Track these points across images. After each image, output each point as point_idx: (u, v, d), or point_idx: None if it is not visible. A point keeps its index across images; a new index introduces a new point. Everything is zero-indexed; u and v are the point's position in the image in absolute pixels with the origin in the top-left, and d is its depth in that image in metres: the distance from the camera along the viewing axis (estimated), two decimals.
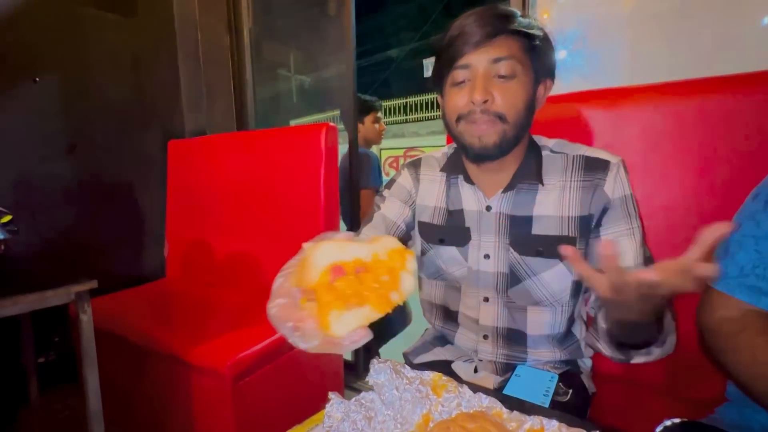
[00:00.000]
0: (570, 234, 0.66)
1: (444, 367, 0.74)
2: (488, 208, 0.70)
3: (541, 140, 0.73)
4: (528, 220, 0.68)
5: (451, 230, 0.73)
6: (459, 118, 0.64)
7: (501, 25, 0.60)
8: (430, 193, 0.77)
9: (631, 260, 0.64)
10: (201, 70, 1.85)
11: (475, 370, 0.72)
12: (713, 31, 0.98)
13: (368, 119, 2.11)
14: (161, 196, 1.76)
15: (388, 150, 7.30)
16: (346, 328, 0.32)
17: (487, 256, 0.70)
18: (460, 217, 0.73)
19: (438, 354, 0.79)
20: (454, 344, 0.78)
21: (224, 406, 1.03)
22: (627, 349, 0.59)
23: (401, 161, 7.17)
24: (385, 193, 0.81)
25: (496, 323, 0.71)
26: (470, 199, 0.72)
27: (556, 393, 0.61)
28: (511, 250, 0.69)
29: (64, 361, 1.42)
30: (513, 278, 0.69)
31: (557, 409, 0.51)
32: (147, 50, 1.72)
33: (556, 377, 0.64)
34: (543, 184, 0.67)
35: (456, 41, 0.62)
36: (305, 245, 0.36)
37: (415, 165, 0.81)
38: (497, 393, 0.38)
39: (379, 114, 2.18)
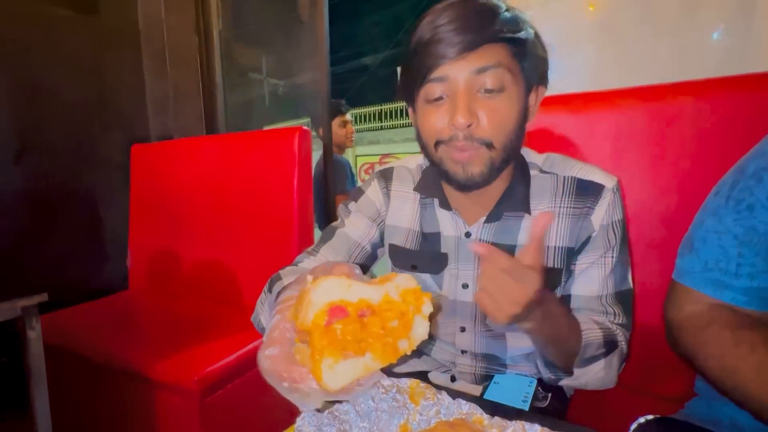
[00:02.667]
0: (555, 265, 0.60)
1: (420, 378, 0.71)
2: (467, 235, 0.63)
3: (529, 155, 0.65)
4: (511, 250, 0.61)
5: (426, 256, 0.66)
6: (438, 143, 0.55)
7: (484, 29, 0.50)
8: (402, 213, 0.68)
9: (594, 291, 0.60)
10: (167, 71, 1.78)
11: (453, 379, 0.70)
12: (669, 42, 1.04)
13: (334, 123, 2.09)
14: (124, 203, 1.67)
15: (363, 157, 7.29)
16: (339, 381, 0.28)
17: (465, 286, 0.64)
18: (435, 241, 0.65)
19: (414, 365, 0.74)
20: (431, 356, 0.74)
21: (191, 425, 0.97)
22: (554, 369, 0.58)
23: (377, 168, 7.17)
24: (351, 206, 0.72)
25: (474, 349, 0.67)
26: (447, 224, 0.65)
27: (535, 398, 0.60)
28: None
29: (13, 384, 1.30)
30: None
31: (538, 417, 0.51)
32: (109, 50, 1.64)
33: (535, 381, 0.62)
34: (530, 214, 0.60)
35: (429, 48, 0.51)
36: (308, 277, 0.31)
37: (386, 176, 0.72)
38: (477, 399, 0.37)
39: (347, 117, 2.16)
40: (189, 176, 1.51)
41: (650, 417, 0.62)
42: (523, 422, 0.32)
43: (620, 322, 0.61)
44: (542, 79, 0.59)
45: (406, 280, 0.31)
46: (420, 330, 0.31)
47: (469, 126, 0.51)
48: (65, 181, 1.53)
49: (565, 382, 0.60)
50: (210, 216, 1.44)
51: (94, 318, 1.31)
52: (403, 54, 0.57)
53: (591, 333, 0.57)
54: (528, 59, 0.54)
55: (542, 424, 0.31)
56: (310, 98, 1.82)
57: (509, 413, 0.34)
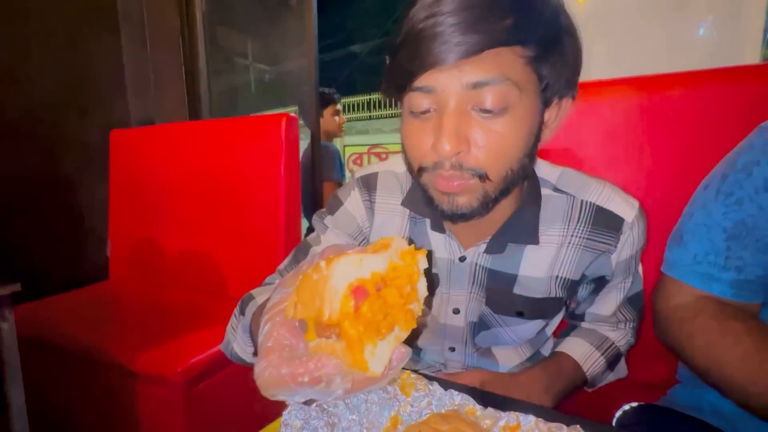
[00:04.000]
0: (557, 295, 0.56)
1: None
2: (462, 259, 0.55)
3: (541, 169, 0.55)
4: (511, 279, 0.55)
5: None
6: (422, 170, 0.45)
7: (499, 25, 0.37)
8: (388, 230, 0.59)
9: (611, 311, 0.60)
10: (147, 53, 1.71)
11: None
12: (660, 33, 1.04)
13: (327, 112, 2.08)
14: (103, 190, 1.61)
15: (351, 147, 7.23)
16: (382, 363, 0.26)
17: (456, 311, 0.58)
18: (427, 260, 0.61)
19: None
20: (421, 357, 0.69)
21: (175, 417, 0.95)
22: None
23: (365, 158, 7.13)
24: (328, 220, 0.61)
25: (464, 365, 0.65)
26: (440, 246, 0.56)
27: None
28: (485, 306, 0.57)
29: None
30: (481, 325, 0.59)
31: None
32: (85, 29, 1.56)
33: None
34: (538, 243, 0.53)
35: (420, 44, 0.39)
36: (322, 263, 0.27)
37: (369, 186, 0.59)
38: (469, 389, 0.36)
39: (339, 106, 2.14)
40: (171, 163, 1.46)
41: (634, 404, 0.63)
42: (516, 413, 0.31)
43: (632, 325, 0.64)
44: (568, 90, 0.46)
45: (400, 242, 0.29)
46: (422, 289, 0.29)
47: (457, 154, 0.41)
48: (40, 166, 1.47)
49: None
50: (194, 204, 1.41)
51: (73, 308, 1.27)
52: (390, 42, 0.44)
53: (595, 367, 0.60)
54: (551, 66, 0.42)
55: (536, 415, 0.31)
56: (298, 86, 1.78)
57: (502, 403, 0.33)
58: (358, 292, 0.26)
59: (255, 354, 0.49)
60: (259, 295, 0.51)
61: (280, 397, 0.27)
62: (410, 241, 0.41)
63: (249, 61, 2.47)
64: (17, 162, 1.41)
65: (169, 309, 1.25)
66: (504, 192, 0.45)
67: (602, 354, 0.61)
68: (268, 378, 0.26)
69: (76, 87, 1.55)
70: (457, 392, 0.34)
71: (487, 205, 0.45)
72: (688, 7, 1.03)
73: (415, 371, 0.68)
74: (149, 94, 1.74)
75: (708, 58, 0.98)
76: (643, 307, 0.64)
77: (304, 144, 1.64)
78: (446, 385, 0.35)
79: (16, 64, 1.40)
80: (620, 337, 0.63)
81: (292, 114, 1.28)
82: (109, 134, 1.60)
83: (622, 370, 0.65)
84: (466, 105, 0.40)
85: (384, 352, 0.26)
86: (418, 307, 0.29)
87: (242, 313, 0.50)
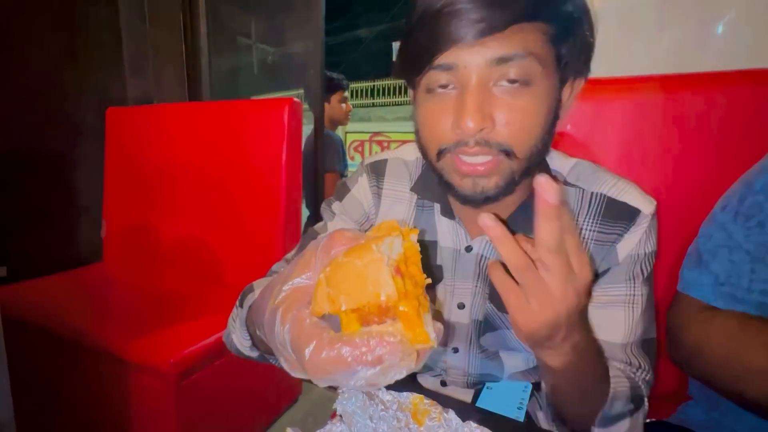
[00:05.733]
0: None
1: (409, 380, 0.65)
2: (468, 249, 0.54)
3: (554, 161, 0.53)
4: None
5: None
6: (442, 152, 0.44)
7: (517, 2, 0.38)
8: (393, 216, 0.58)
9: (620, 337, 0.50)
10: (147, 30, 1.64)
11: (443, 384, 0.64)
12: (673, 32, 0.99)
13: (335, 98, 2.01)
14: (98, 170, 1.56)
15: (353, 134, 7.16)
16: (432, 330, 0.27)
17: (461, 306, 0.56)
18: (432, 251, 0.57)
19: None
20: None
21: (166, 408, 0.93)
22: (563, 427, 0.50)
23: (366, 146, 7.07)
24: (335, 206, 0.61)
25: (467, 370, 0.60)
26: (447, 234, 0.55)
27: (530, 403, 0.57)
28: (489, 303, 0.55)
29: None
30: (486, 325, 0.56)
31: (532, 421, 0.48)
32: (80, 1, 1.49)
33: (530, 387, 0.58)
34: None
35: (439, 23, 0.39)
36: (373, 246, 0.26)
37: (378, 171, 0.59)
38: (486, 419, 0.33)
39: (346, 93, 2.08)
40: (170, 144, 1.41)
41: (645, 420, 0.61)
42: None
43: (645, 377, 0.51)
44: (583, 70, 0.46)
45: (401, 224, 0.31)
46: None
47: (481, 131, 0.40)
48: (32, 143, 1.42)
49: None
50: (192, 188, 1.36)
51: (63, 291, 1.24)
52: (405, 24, 0.44)
53: (619, 382, 0.47)
54: (569, 44, 0.42)
55: None
56: (303, 69, 1.72)
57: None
58: (398, 272, 0.26)
59: (252, 347, 0.48)
60: (260, 287, 0.50)
61: (333, 381, 0.26)
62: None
63: (252, 41, 2.39)
64: (8, 138, 1.36)
65: (163, 295, 1.22)
66: (526, 172, 0.44)
67: (628, 380, 0.48)
68: (325, 359, 0.25)
69: (71, 61, 1.49)
70: (475, 425, 0.31)
71: (512, 186, 0.44)
72: (713, 3, 0.98)
73: (414, 378, 0.67)
74: (147, 72, 1.67)
75: (735, 58, 0.93)
76: (656, 359, 0.53)
77: (307, 130, 1.59)
78: (464, 414, 0.31)
79: (9, 37, 1.33)
80: (637, 380, 0.50)
81: (296, 99, 1.23)
82: (104, 112, 1.55)
83: (640, 428, 0.50)
84: (489, 82, 0.40)
85: (429, 323, 0.27)
86: (429, 278, 0.30)
87: (241, 305, 0.49)
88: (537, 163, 0.46)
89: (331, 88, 1.97)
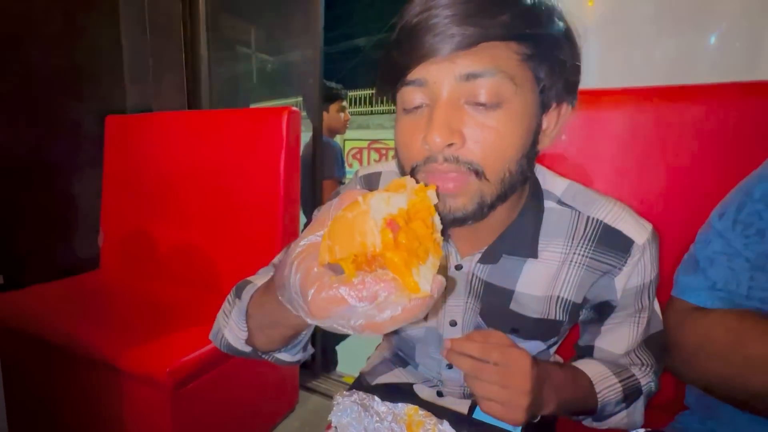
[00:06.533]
0: (557, 317, 0.52)
1: (405, 390, 0.64)
2: (458, 267, 0.54)
3: (546, 180, 0.53)
4: (507, 294, 0.52)
5: None
6: (415, 169, 0.43)
7: (494, 19, 0.37)
8: None
9: (623, 349, 0.54)
10: (147, 38, 1.66)
11: (439, 394, 0.64)
12: (669, 44, 1.01)
13: (333, 108, 2.03)
14: (97, 177, 1.57)
15: (352, 141, 7.19)
16: (429, 282, 0.28)
17: (453, 323, 0.56)
18: None
19: (399, 376, 0.67)
20: (418, 370, 0.66)
21: (162, 418, 0.92)
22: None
23: (365, 153, 7.09)
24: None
25: (462, 382, 0.60)
26: None
27: None
28: (479, 318, 0.55)
29: None
30: None
31: (528, 431, 0.48)
32: (83, 11, 1.51)
33: None
34: (537, 258, 0.50)
35: (414, 37, 0.39)
36: (360, 198, 0.28)
37: (371, 184, 0.60)
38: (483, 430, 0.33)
39: (345, 103, 2.10)
40: (168, 153, 1.42)
41: (641, 430, 0.60)
42: None
43: (651, 369, 0.55)
44: (568, 94, 0.44)
45: (410, 181, 0.31)
46: (437, 222, 0.32)
47: (450, 146, 0.39)
48: (31, 150, 1.42)
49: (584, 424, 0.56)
50: (190, 196, 1.37)
51: (59, 298, 1.23)
52: (385, 39, 0.44)
53: (609, 392, 0.51)
54: (547, 65, 0.41)
55: None
56: (302, 78, 1.73)
57: None
58: (392, 225, 0.27)
59: (247, 341, 0.48)
60: (258, 279, 0.51)
61: (332, 323, 0.28)
62: None
63: (251, 49, 2.41)
64: (7, 145, 1.36)
65: (159, 303, 1.22)
66: (501, 197, 0.43)
67: (620, 381, 0.52)
68: (324, 298, 0.27)
69: (72, 70, 1.50)
70: None
71: (483, 210, 0.43)
72: (709, 14, 1.00)
73: (411, 388, 0.67)
74: (147, 80, 1.68)
75: (731, 69, 0.94)
76: (663, 353, 0.56)
77: (305, 137, 1.60)
78: (458, 426, 0.32)
79: (11, 46, 1.34)
80: (642, 375, 0.55)
81: (294, 107, 1.24)
82: (104, 120, 1.56)
83: (638, 413, 0.54)
84: (459, 98, 0.40)
85: (426, 275, 0.28)
86: (439, 237, 0.31)
87: (238, 296, 0.49)
88: (514, 190, 0.44)
89: (330, 97, 1.99)
